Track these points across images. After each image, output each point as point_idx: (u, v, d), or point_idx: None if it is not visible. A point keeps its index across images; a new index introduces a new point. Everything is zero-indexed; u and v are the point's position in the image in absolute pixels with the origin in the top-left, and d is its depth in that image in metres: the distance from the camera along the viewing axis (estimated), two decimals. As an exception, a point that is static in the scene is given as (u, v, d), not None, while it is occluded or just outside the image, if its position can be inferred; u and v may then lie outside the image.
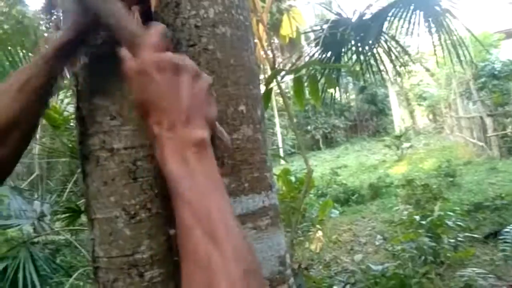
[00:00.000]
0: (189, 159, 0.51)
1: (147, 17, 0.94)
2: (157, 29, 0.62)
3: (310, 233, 5.75)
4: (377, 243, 6.02)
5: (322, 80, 4.41)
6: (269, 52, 2.67)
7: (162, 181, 1.04)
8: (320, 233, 6.20)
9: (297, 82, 1.75)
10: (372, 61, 4.93)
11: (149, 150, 0.96)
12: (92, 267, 0.98)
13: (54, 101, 4.62)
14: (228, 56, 0.89)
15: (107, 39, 0.93)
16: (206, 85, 0.58)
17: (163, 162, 0.52)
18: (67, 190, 5.87)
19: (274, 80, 1.62)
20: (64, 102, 5.15)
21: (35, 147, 7.80)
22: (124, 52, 0.62)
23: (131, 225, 0.92)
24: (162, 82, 0.55)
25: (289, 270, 0.99)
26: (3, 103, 0.74)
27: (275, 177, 6.16)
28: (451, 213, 4.90)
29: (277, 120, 21.14)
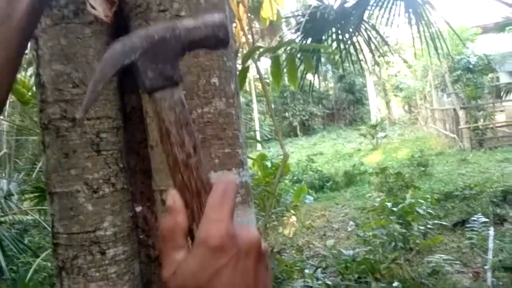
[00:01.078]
0: None
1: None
2: (229, 183, 0.42)
3: (284, 218, 5.79)
4: (349, 229, 6.12)
5: (301, 68, 4.38)
6: (249, 37, 2.61)
7: (128, 155, 0.99)
8: (294, 218, 6.25)
9: (275, 62, 1.71)
10: (351, 50, 4.93)
11: (114, 122, 0.91)
12: (52, 244, 0.93)
13: (21, 76, 4.44)
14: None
15: (72, 0, 0.86)
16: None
17: None
18: (36, 169, 5.70)
19: (251, 60, 1.58)
20: (33, 78, 4.96)
21: (3, 124, 7.53)
22: (176, 201, 0.41)
23: (93, 200, 0.87)
24: (243, 272, 0.38)
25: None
26: None
27: (251, 162, 6.17)
28: (421, 201, 5.00)
29: (255, 105, 21.09)
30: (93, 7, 0.87)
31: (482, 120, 12.38)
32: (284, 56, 3.32)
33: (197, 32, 0.44)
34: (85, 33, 0.87)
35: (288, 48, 2.23)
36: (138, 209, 0.99)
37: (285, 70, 2.25)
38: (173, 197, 0.41)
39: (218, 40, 0.45)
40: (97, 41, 0.88)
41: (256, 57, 1.47)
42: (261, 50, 1.50)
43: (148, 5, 0.84)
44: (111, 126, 0.90)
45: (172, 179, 0.42)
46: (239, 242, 0.38)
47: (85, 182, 0.87)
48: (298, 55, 3.51)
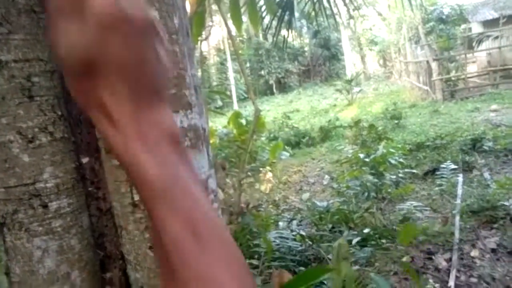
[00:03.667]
0: (162, 149, 0.39)
1: None
2: None
3: (260, 174, 5.82)
4: (325, 182, 6.22)
5: (275, 23, 4.24)
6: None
7: (69, 102, 0.92)
8: (270, 174, 6.30)
9: (234, 4, 1.61)
10: (325, 3, 4.79)
11: (47, 64, 0.83)
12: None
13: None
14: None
15: None
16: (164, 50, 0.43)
17: (127, 151, 0.38)
18: None
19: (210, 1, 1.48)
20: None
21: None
22: None
23: (29, 151, 0.80)
24: (136, 42, 0.38)
25: (213, 196, 0.93)
26: None
27: (226, 120, 6.09)
28: (394, 152, 5.09)
29: (229, 64, 20.74)
30: None
31: (454, 71, 12.53)
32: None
33: None
34: (4, -37, 0.77)
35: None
36: (85, 160, 0.93)
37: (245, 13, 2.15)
38: None
39: None
40: (19, -27, 0.79)
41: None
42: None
43: None
44: (44, 69, 0.82)
45: None
46: (133, 17, 0.38)
47: (18, 131, 0.80)
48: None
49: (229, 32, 1.91)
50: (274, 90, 23.49)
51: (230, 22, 1.84)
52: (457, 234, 3.60)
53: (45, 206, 0.82)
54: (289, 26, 5.04)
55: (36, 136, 0.81)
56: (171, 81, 0.81)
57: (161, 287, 0.40)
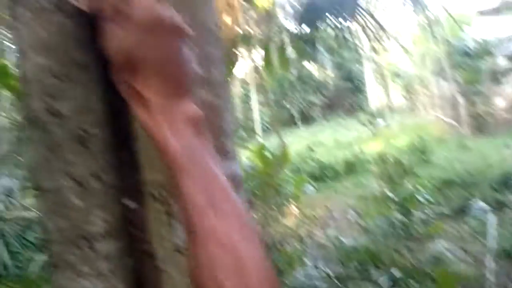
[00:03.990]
0: (186, 133, 0.47)
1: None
2: None
3: (285, 208, 5.79)
4: (350, 218, 6.13)
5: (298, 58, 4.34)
6: (242, 24, 2.59)
7: (116, 149, 0.97)
8: (294, 208, 6.26)
9: (266, 52, 1.68)
10: (348, 37, 4.90)
11: (100, 115, 0.89)
12: (42, 239, 0.91)
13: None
14: (184, 11, 0.81)
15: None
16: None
17: (159, 134, 0.47)
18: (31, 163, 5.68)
19: (245, 49, 1.54)
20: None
21: (4, 121, 7.51)
22: None
23: (81, 196, 0.85)
24: (169, 42, 0.47)
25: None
26: None
27: (251, 153, 6.14)
28: (421, 189, 5.00)
29: (254, 96, 21.02)
30: (74, -2, 0.84)
31: (481, 105, 12.33)
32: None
33: None
34: (67, 24, 0.84)
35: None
36: (132, 205, 0.98)
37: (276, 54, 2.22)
38: None
39: None
40: (79, 33, 0.86)
41: (249, 46, 1.44)
42: (251, 39, 1.47)
43: (130, -7, 0.82)
44: (97, 119, 0.88)
45: None
46: (166, 22, 0.47)
47: (72, 177, 0.85)
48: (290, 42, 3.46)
49: (257, 68, 1.97)
50: (298, 122, 23.56)
51: (255, 55, 1.90)
52: (491, 278, 3.46)
53: (93, 248, 0.86)
54: (312, 59, 5.12)
55: (89, 182, 0.86)
56: (213, 132, 0.85)
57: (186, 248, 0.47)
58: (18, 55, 0.86)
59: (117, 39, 0.47)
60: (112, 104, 0.96)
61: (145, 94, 0.47)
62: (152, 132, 0.48)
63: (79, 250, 0.84)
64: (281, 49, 1.85)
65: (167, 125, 0.47)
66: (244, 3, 4.25)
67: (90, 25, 0.91)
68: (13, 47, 0.96)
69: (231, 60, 1.36)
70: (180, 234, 0.83)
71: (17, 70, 0.93)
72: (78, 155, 0.85)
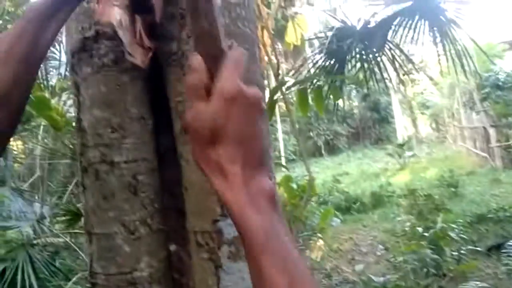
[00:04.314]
0: (265, 209, 0.47)
1: (151, 29, 0.92)
2: (240, 52, 0.52)
3: (311, 241, 5.71)
4: (378, 253, 5.97)
5: (325, 87, 4.38)
6: (273, 58, 2.65)
7: (163, 195, 1.01)
8: (321, 241, 6.15)
9: (301, 93, 1.72)
10: (376, 69, 4.91)
11: (150, 164, 0.94)
12: (89, 283, 0.95)
13: (56, 103, 4.61)
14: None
15: (111, 49, 0.91)
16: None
17: (238, 207, 0.47)
18: (68, 192, 5.85)
19: (280, 93, 1.60)
20: (66, 104, 5.14)
21: (37, 148, 7.80)
22: (199, 62, 0.50)
23: (130, 241, 0.89)
24: (249, 116, 0.48)
25: None
26: None
27: (276, 185, 6.12)
28: (453, 225, 4.85)
29: (279, 126, 21.13)
30: (131, 55, 0.91)
31: (513, 138, 11.99)
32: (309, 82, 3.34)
33: None
34: (123, 79, 0.91)
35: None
36: (173, 248, 1.01)
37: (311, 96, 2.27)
38: (197, 59, 0.49)
39: None
40: (134, 87, 0.92)
41: (284, 89, 1.49)
42: (287, 83, 1.52)
43: (183, 53, 0.87)
44: (148, 168, 0.93)
45: (195, 46, 0.50)
46: (248, 95, 0.48)
47: (123, 223, 0.89)
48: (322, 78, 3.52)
49: (285, 99, 2.01)
50: (323, 152, 23.42)
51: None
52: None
53: (139, 294, 0.89)
54: (341, 94, 5.15)
55: (137, 228, 0.90)
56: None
57: None
58: (78, 108, 0.93)
59: (201, 111, 0.48)
60: (161, 153, 1.02)
61: (226, 166, 0.48)
62: (231, 205, 0.47)
63: (127, 295, 0.88)
64: (318, 93, 1.87)
65: (247, 199, 0.46)
66: (274, 37, 4.35)
67: (145, 80, 0.98)
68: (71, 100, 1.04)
69: (272, 104, 1.40)
70: (224, 282, 0.85)
71: (73, 120, 1.00)
72: (129, 202, 0.90)
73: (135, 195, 0.90)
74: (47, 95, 4.84)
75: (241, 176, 0.47)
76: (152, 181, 0.93)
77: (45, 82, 4.75)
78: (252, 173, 0.48)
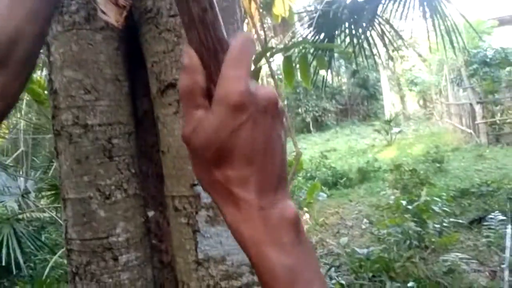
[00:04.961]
0: (290, 243, 0.39)
1: (124, -17, 0.87)
2: (246, 40, 0.40)
3: (298, 215, 5.76)
4: (363, 226, 6.07)
5: (314, 63, 4.34)
6: (261, 32, 2.59)
7: (140, 160, 0.99)
8: (307, 215, 6.23)
9: (287, 61, 1.69)
10: (365, 44, 4.87)
11: (126, 127, 0.91)
12: (65, 249, 0.93)
13: (37, 75, 4.50)
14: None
15: (82, 5, 0.86)
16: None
17: (255, 244, 0.38)
18: (53, 168, 5.79)
19: (264, 59, 1.56)
20: (49, 77, 5.02)
21: (21, 123, 7.66)
22: (193, 59, 0.39)
23: (105, 206, 0.87)
24: (263, 125, 0.38)
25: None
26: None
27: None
28: (437, 199, 4.93)
29: None
30: (104, 13, 0.86)
31: (499, 115, 12.14)
32: (296, 52, 3.29)
33: None
34: (96, 39, 0.87)
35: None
36: (150, 213, 0.99)
37: (297, 67, 2.23)
38: (190, 56, 0.39)
39: None
40: (108, 46, 0.88)
41: (269, 57, 1.46)
42: (273, 50, 1.49)
43: (159, 10, 0.83)
44: (123, 131, 0.90)
45: (187, 38, 0.39)
46: (258, 98, 0.38)
47: (98, 188, 0.87)
48: (311, 51, 3.48)
49: (273, 75, 1.98)
50: (311, 128, 23.48)
51: (271, 63, 1.91)
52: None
53: (115, 259, 0.88)
54: (328, 66, 5.11)
55: (113, 193, 0.88)
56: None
57: None
58: (49, 69, 0.89)
59: (201, 123, 0.38)
60: (137, 116, 0.99)
61: (237, 192, 0.39)
62: (246, 242, 0.39)
63: (103, 261, 0.86)
64: (303, 61, 1.82)
65: (267, 233, 0.38)
66: (262, 11, 4.26)
67: (119, 40, 0.93)
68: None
69: (257, 72, 1.36)
70: (202, 247, 0.84)
71: (45, 81, 0.96)
72: (104, 167, 0.88)
73: (110, 159, 0.88)
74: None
75: (257, 204, 0.38)
76: (128, 145, 0.91)
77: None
78: (270, 199, 0.39)
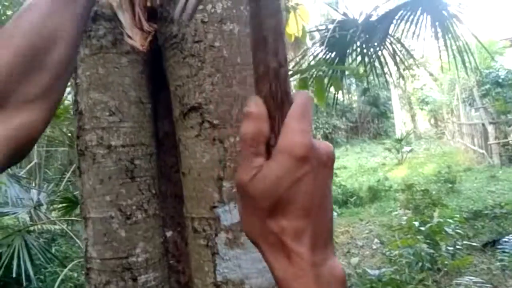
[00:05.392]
0: None
1: (151, 11, 0.90)
2: (307, 97, 0.41)
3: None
4: (374, 246, 5.99)
5: (325, 80, 4.36)
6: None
7: (160, 181, 1.00)
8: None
9: (302, 83, 1.71)
10: (376, 63, 4.89)
11: (148, 148, 0.93)
12: (85, 268, 0.94)
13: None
14: (235, 54, 0.85)
15: (109, 30, 0.89)
16: None
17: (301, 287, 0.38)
18: (65, 180, 5.84)
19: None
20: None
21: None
22: (261, 108, 0.40)
23: (126, 226, 0.88)
24: (321, 180, 0.39)
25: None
26: (35, 17, 0.55)
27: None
28: (450, 220, 4.86)
29: None
30: (130, 37, 0.89)
31: (511, 135, 12.01)
32: (310, 72, 3.32)
33: None
34: (122, 62, 0.89)
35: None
36: (169, 234, 1.00)
37: (311, 89, 2.25)
38: (258, 104, 0.39)
39: None
40: (133, 70, 0.91)
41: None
42: (291, 72, 1.50)
43: (184, 36, 0.86)
44: (145, 153, 0.92)
45: (257, 88, 0.41)
46: (319, 153, 0.38)
47: (119, 208, 0.88)
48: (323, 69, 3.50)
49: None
50: (321, 145, 23.41)
51: None
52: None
53: (134, 279, 0.89)
54: (341, 85, 5.12)
55: (134, 213, 0.89)
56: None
57: None
58: (75, 90, 0.92)
59: (262, 171, 0.38)
60: (160, 139, 1.00)
61: (291, 244, 0.38)
62: (293, 286, 0.38)
63: (122, 281, 0.87)
64: (319, 82, 1.84)
65: (315, 283, 0.38)
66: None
67: (144, 64, 0.96)
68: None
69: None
70: (221, 269, 0.84)
71: (71, 103, 0.99)
72: (125, 187, 0.89)
73: (132, 179, 0.89)
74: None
75: (310, 259, 0.37)
76: (150, 166, 0.92)
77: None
78: (321, 254, 0.38)
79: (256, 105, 0.39)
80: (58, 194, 5.25)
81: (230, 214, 0.81)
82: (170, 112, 0.94)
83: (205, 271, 0.87)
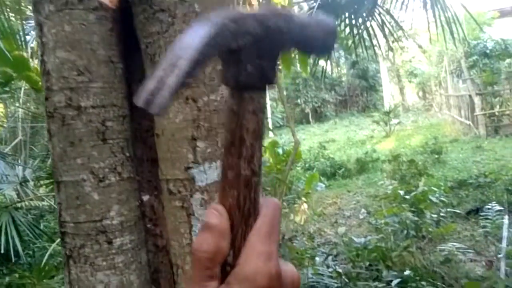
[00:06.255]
0: None
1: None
2: (276, 208, 0.37)
3: (296, 205, 5.78)
4: (361, 216, 6.09)
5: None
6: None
7: (134, 144, 0.98)
8: (305, 205, 6.24)
9: (286, 53, 1.67)
10: (365, 35, 4.83)
11: (120, 110, 0.90)
12: (59, 232, 0.93)
13: (35, 63, 4.47)
14: (208, 9, 0.81)
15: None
16: None
17: None
18: (51, 156, 5.77)
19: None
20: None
21: (19, 111, 7.63)
22: (222, 221, 0.35)
23: (99, 189, 0.86)
24: None
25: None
26: None
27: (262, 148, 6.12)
28: (435, 189, 4.95)
29: (266, 92, 20.91)
30: (97, -7, 0.85)
31: (498, 106, 12.12)
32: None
33: (310, 30, 0.37)
34: (89, 19, 0.85)
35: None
36: (145, 198, 0.99)
37: (296, 56, 2.21)
38: (221, 216, 0.34)
39: (325, 46, 0.38)
40: (102, 27, 0.87)
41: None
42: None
43: (153, -11, 0.82)
44: (117, 114, 0.89)
45: (221, 194, 0.36)
46: (285, 281, 0.34)
47: (91, 171, 0.86)
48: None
49: None
50: (310, 119, 23.46)
51: None
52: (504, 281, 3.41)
53: (109, 242, 0.87)
54: (328, 57, 5.09)
55: (107, 176, 0.87)
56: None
57: None
58: (41, 49, 0.88)
59: None
60: (131, 99, 0.98)
61: None
62: None
63: (97, 244, 0.86)
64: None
65: None
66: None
67: (113, 21, 0.92)
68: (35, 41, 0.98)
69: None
70: (197, 230, 0.83)
71: (38, 64, 0.95)
72: (97, 149, 0.87)
73: (104, 142, 0.87)
74: (26, 55, 4.67)
75: None
76: (123, 128, 0.90)
77: (24, 42, 4.57)
78: None
79: (218, 217, 0.34)
80: (44, 170, 5.20)
81: (205, 175, 0.79)
82: (145, 74, 0.91)
83: (181, 232, 0.87)
